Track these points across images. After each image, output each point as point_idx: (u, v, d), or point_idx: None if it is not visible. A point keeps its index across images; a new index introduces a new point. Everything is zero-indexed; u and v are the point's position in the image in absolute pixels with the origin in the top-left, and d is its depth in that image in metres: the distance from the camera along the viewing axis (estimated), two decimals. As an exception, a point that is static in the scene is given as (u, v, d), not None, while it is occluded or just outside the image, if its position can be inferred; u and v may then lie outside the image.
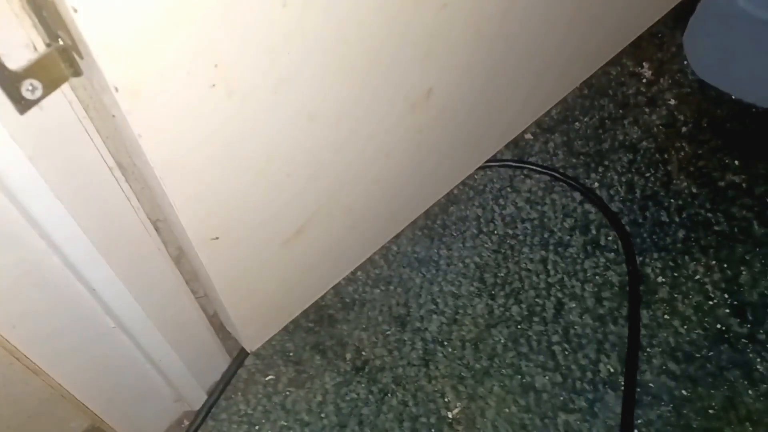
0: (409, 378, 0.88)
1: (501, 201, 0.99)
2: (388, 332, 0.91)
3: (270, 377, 0.88)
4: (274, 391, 0.87)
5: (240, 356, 0.87)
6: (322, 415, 0.86)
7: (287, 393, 0.87)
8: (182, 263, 0.70)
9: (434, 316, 0.91)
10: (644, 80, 1.09)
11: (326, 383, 0.87)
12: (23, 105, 0.42)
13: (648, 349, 0.87)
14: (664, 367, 0.86)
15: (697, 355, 0.87)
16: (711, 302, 0.90)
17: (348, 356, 0.89)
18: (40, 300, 0.55)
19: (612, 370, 0.87)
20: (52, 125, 0.46)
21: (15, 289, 0.53)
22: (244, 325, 0.77)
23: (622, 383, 0.85)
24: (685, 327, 0.89)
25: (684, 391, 0.85)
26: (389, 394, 0.87)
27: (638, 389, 0.85)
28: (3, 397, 0.61)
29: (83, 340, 0.62)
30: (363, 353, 0.90)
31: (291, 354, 0.90)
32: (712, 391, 0.84)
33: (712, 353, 0.87)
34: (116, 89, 0.42)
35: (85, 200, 0.52)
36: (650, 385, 0.85)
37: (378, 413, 0.85)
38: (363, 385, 0.87)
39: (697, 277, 0.92)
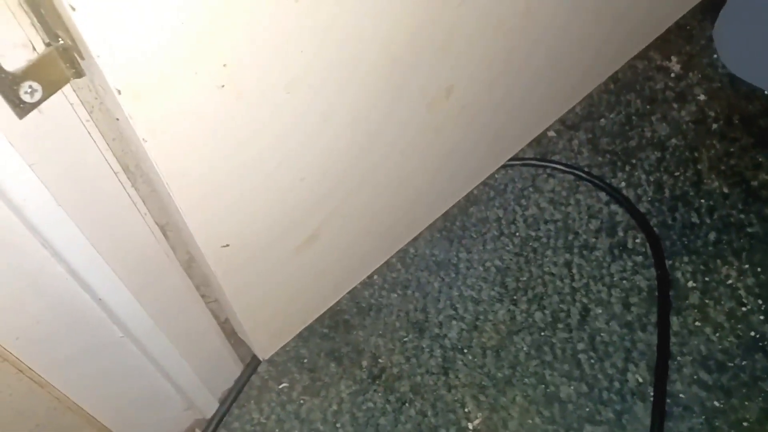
0: (427, 387, 0.85)
1: (523, 201, 0.96)
2: (406, 339, 0.88)
3: (284, 385, 0.86)
4: (288, 399, 0.85)
5: (253, 363, 0.85)
6: (338, 425, 0.83)
7: (302, 401, 0.85)
8: (193, 268, 0.68)
9: (453, 322, 0.88)
10: (672, 75, 1.05)
11: (342, 392, 0.85)
12: (22, 109, 0.40)
13: (678, 358, 0.84)
14: (695, 377, 0.83)
15: (730, 364, 0.83)
16: (744, 308, 0.87)
17: (364, 363, 0.87)
18: (44, 311, 0.53)
19: (640, 380, 0.83)
20: (52, 129, 0.44)
21: (17, 299, 0.51)
22: (256, 333, 0.74)
23: (652, 394, 0.82)
24: (717, 334, 0.85)
25: (716, 402, 0.81)
26: (407, 404, 0.84)
27: (668, 400, 0.81)
28: (9, 408, 0.59)
29: (89, 350, 0.60)
30: (380, 360, 0.87)
31: (305, 361, 0.87)
32: (747, 403, 0.81)
33: (745, 362, 0.83)
34: (118, 91, 0.39)
35: (88, 207, 0.50)
36: (681, 395, 0.82)
37: (395, 423, 0.83)
38: (380, 394, 0.85)
39: (730, 281, 0.88)
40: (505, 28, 0.68)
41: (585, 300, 0.89)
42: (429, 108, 0.67)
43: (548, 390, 0.83)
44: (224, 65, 0.43)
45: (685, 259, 0.90)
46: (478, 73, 0.70)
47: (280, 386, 0.86)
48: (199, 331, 0.73)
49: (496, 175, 0.98)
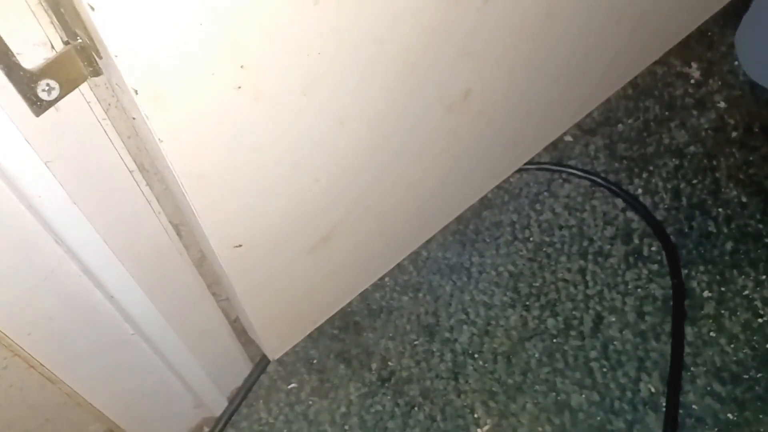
0: (437, 391, 0.84)
1: (537, 206, 0.95)
2: (416, 342, 0.87)
3: (293, 385, 0.86)
4: (297, 400, 0.85)
5: (262, 362, 0.85)
6: (346, 427, 0.83)
7: (310, 402, 0.84)
8: (204, 267, 0.67)
9: (465, 327, 0.88)
10: (692, 81, 1.03)
11: (351, 394, 0.84)
12: (39, 106, 0.40)
13: (692, 369, 0.83)
14: (708, 388, 0.81)
15: (745, 377, 0.82)
16: (760, 320, 0.85)
17: (374, 366, 0.86)
18: (56, 307, 0.53)
19: (653, 390, 0.82)
20: (69, 127, 0.43)
21: (30, 296, 0.51)
22: (266, 334, 0.74)
23: (664, 404, 0.81)
24: (732, 346, 0.84)
25: (730, 415, 0.80)
26: (416, 408, 0.83)
27: (681, 411, 0.80)
28: (20, 402, 0.59)
29: (101, 347, 0.60)
30: (389, 363, 0.86)
31: (315, 362, 0.87)
32: (761, 416, 0.79)
33: (760, 375, 0.82)
34: (136, 92, 0.39)
35: (103, 205, 0.50)
36: (693, 407, 0.81)
37: (404, 427, 0.82)
38: (389, 398, 0.84)
39: (746, 292, 0.87)
40: (525, 31, 0.67)
41: (598, 307, 0.88)
42: (446, 111, 0.66)
43: (559, 398, 0.83)
44: (242, 67, 0.43)
45: (701, 268, 0.89)
46: (497, 76, 0.69)
47: (289, 387, 0.86)
48: (210, 330, 0.73)
49: (511, 179, 0.97)
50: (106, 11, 0.34)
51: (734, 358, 0.83)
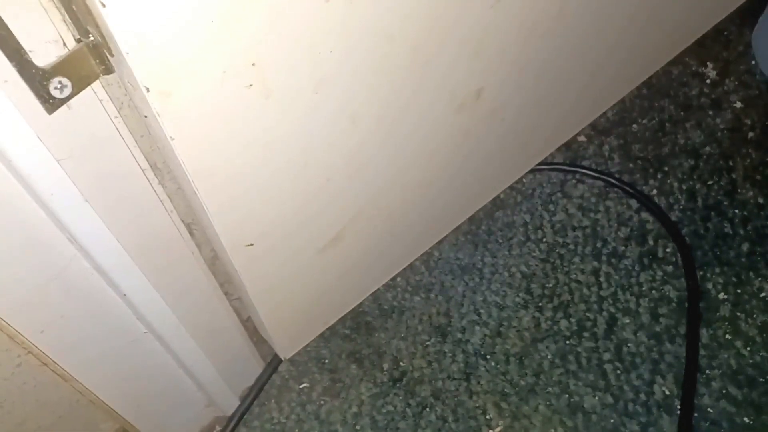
0: (449, 392, 0.84)
1: (551, 207, 0.94)
2: (428, 343, 0.87)
3: (304, 385, 0.86)
4: (308, 399, 0.85)
5: (274, 362, 0.85)
6: (357, 427, 0.82)
7: (321, 402, 0.84)
8: (217, 266, 0.67)
9: (477, 328, 0.87)
10: (708, 81, 1.02)
11: (362, 394, 0.84)
12: (51, 104, 0.40)
13: (707, 371, 0.82)
14: (724, 392, 0.80)
15: (761, 380, 0.81)
16: (778, 322, 0.84)
17: (385, 366, 0.86)
18: (69, 305, 0.53)
19: (667, 393, 0.81)
20: (81, 125, 0.44)
21: (43, 294, 0.51)
22: (278, 333, 0.74)
23: (678, 407, 0.80)
24: (749, 348, 0.83)
25: (746, 419, 0.79)
26: (428, 409, 0.83)
27: (695, 414, 0.79)
28: (33, 399, 0.60)
29: (113, 345, 0.60)
30: (401, 364, 0.86)
31: (326, 361, 0.87)
32: (778, 420, 0.78)
33: (778, 378, 0.81)
34: (147, 89, 0.39)
35: (115, 203, 0.50)
36: (709, 410, 0.80)
37: (415, 428, 0.82)
38: (400, 398, 0.84)
39: (763, 294, 0.86)
40: (537, 30, 0.66)
41: (612, 309, 0.87)
42: (458, 110, 0.66)
43: (572, 400, 0.82)
44: (253, 64, 0.43)
45: (717, 270, 0.88)
46: (509, 75, 0.69)
47: (301, 386, 0.86)
48: (222, 329, 0.73)
49: (524, 179, 0.97)
50: (117, 8, 0.34)
51: (750, 361, 0.82)
